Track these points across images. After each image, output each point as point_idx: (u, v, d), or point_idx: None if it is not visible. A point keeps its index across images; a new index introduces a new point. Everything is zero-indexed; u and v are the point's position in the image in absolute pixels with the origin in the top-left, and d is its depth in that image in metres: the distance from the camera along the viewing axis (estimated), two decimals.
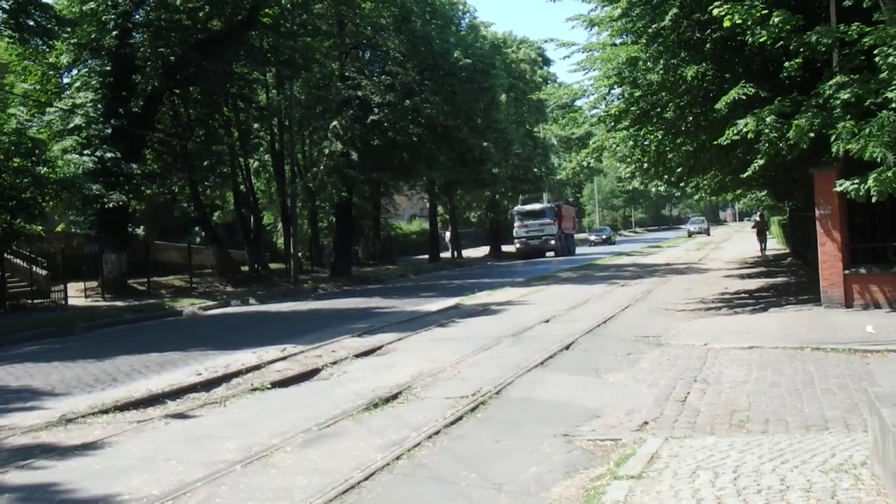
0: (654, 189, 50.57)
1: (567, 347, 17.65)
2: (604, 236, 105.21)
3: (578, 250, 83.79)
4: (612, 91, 26.23)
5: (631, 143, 27.15)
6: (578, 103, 32.85)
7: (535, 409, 12.24)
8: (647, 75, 23.81)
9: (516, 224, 77.51)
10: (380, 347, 19.36)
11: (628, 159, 29.17)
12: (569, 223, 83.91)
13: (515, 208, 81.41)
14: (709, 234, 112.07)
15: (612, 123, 26.08)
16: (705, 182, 36.94)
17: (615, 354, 16.85)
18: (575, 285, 35.97)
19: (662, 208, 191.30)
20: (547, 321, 22.87)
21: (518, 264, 63.58)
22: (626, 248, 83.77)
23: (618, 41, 25.50)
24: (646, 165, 28.50)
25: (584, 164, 30.59)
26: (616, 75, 24.63)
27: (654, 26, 22.63)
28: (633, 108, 24.94)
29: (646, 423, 11.06)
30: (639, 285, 33.83)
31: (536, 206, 79.75)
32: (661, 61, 22.98)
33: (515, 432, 10.95)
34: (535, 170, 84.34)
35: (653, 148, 26.55)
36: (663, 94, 23.95)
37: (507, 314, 25.78)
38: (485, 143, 59.66)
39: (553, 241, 75.54)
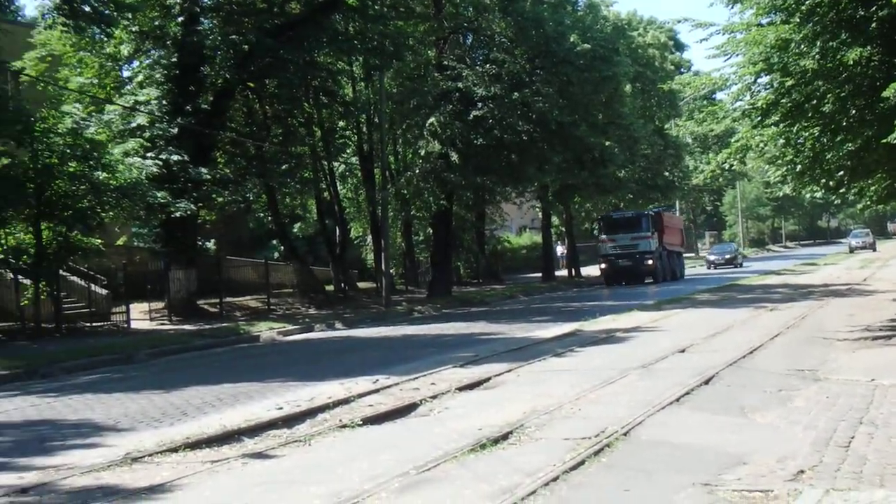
0: (808, 196, 49.89)
1: (706, 382, 17.45)
2: (727, 256, 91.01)
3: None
4: (759, 80, 25.97)
5: (781, 141, 26.84)
6: (718, 95, 32.62)
7: (670, 454, 12.12)
8: (800, 61, 23.52)
9: (601, 237, 67.88)
10: (486, 380, 19.33)
11: (778, 161, 28.85)
12: (674, 237, 73.22)
13: (602, 216, 72.28)
14: (875, 250, 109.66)
15: (759, 118, 25.81)
16: (871, 188, 36.28)
17: (764, 391, 16.66)
18: (714, 309, 35.65)
19: (818, 219, 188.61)
20: (682, 351, 22.66)
21: (648, 285, 62.74)
22: (770, 265, 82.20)
23: (765, 20, 25.21)
24: (799, 168, 28.15)
25: (725, 166, 30.35)
26: (763, 61, 24.35)
27: (808, 2, 22.35)
28: (783, 100, 24.66)
29: (802, 471, 10.89)
30: (791, 309, 33.41)
31: (628, 214, 69.82)
32: (818, 44, 22.69)
33: (646, 481, 10.86)
34: (666, 173, 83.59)
35: (807, 147, 26.23)
36: (820, 82, 23.64)
37: (634, 342, 25.61)
38: (606, 142, 59.48)
39: (650, 261, 64.82)
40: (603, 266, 67.12)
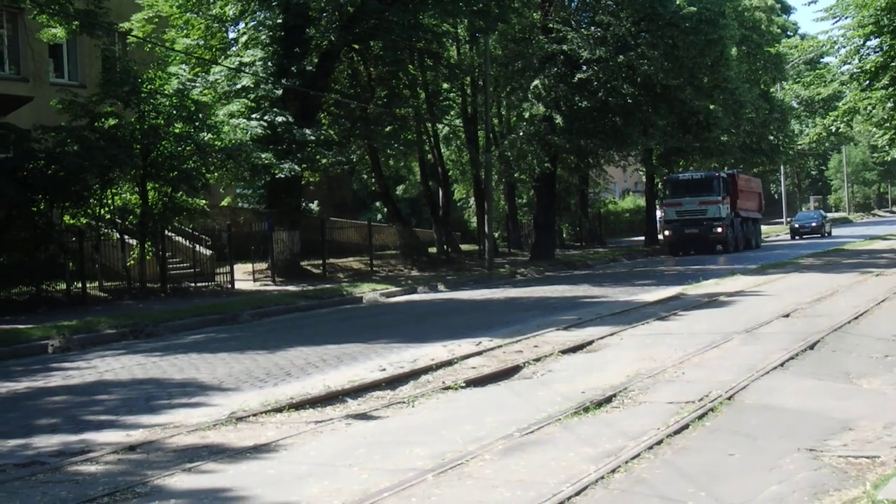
0: None
1: (811, 347, 17.27)
2: (812, 224, 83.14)
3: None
4: (868, 43, 25.63)
5: (890, 104, 26.48)
6: (826, 60, 32.16)
7: (774, 419, 12.02)
8: None
9: (666, 201, 63.13)
10: (589, 343, 19.30)
11: (886, 124, 28.50)
12: (750, 202, 66.28)
13: (667, 178, 66.43)
14: None
15: (868, 81, 25.53)
16: None
17: (870, 357, 16.47)
18: (818, 273, 35.26)
19: None
20: (786, 316, 22.44)
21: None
22: (875, 231, 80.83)
23: None
24: None
25: (832, 129, 29.93)
26: (873, 24, 24.01)
27: None
28: (893, 64, 24.29)
29: None
30: None
31: (697, 175, 62.75)
32: None
33: (751, 445, 10.80)
34: (771, 137, 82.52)
35: None
36: None
37: (738, 306, 25.41)
38: (711, 106, 58.91)
39: (720, 228, 58.04)
40: (667, 233, 61.22)
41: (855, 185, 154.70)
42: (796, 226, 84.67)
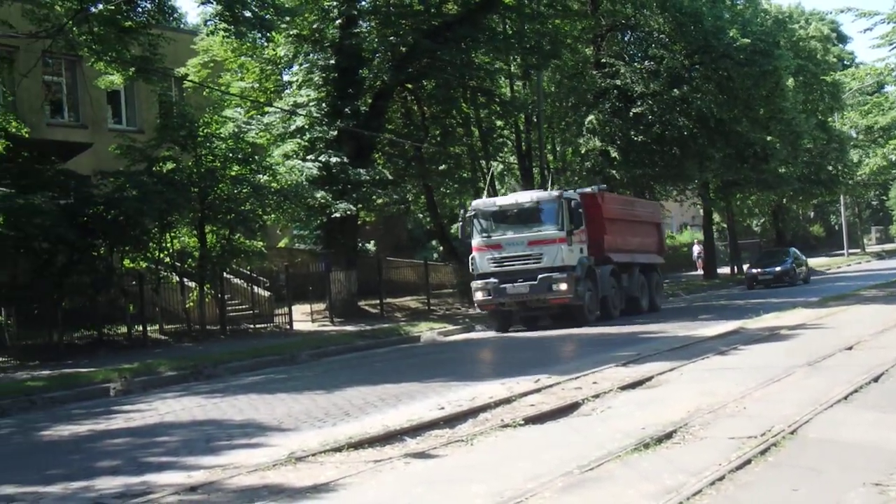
0: None
1: (876, 380, 17.04)
2: (777, 269, 60.96)
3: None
4: None
5: None
6: (887, 89, 31.95)
7: (838, 453, 11.87)
8: None
9: (478, 243, 36.96)
10: (649, 378, 19.17)
11: None
12: (634, 237, 42.91)
13: (474, 203, 39.11)
14: None
15: None
16: None
17: None
18: (882, 305, 34.92)
19: None
20: (849, 348, 22.18)
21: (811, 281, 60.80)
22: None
23: None
24: None
25: (891, 158, 29.62)
26: None
27: None
28: None
29: None
30: None
31: (523, 199, 37.85)
32: None
33: (815, 480, 10.66)
34: (830, 167, 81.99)
35: None
36: None
37: (799, 340, 25.17)
38: (768, 137, 58.61)
39: (563, 285, 34.90)
40: (479, 296, 36.77)
41: None
42: (754, 271, 62.61)
